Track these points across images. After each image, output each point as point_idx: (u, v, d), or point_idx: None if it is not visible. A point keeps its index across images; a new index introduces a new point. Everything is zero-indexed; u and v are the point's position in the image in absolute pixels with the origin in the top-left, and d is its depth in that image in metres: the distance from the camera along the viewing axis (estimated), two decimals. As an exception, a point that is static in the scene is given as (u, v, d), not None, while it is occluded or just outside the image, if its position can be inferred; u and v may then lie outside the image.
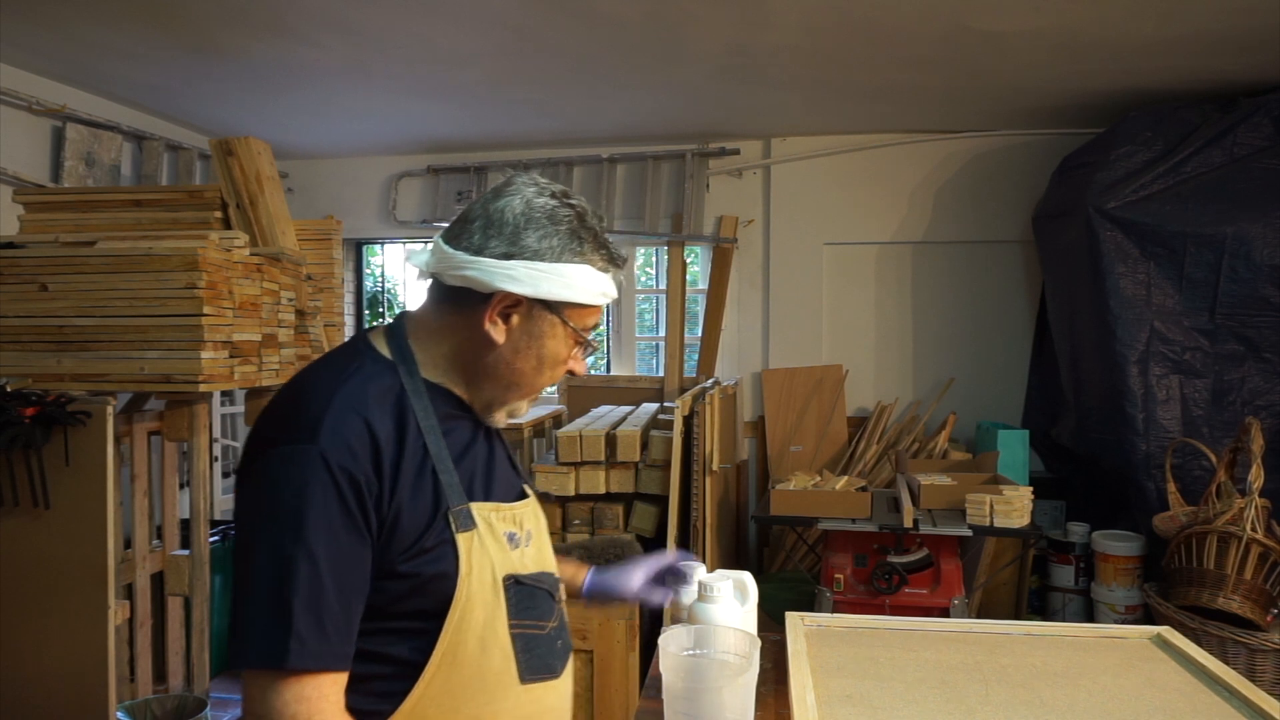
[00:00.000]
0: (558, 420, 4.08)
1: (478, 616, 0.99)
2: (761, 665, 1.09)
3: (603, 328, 4.66)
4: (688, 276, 4.45)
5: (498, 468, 1.10)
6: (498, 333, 1.02)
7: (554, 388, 4.79)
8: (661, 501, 3.03)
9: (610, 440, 3.00)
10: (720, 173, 4.38)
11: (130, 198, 2.90)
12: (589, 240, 1.05)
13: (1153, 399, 3.25)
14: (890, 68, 3.23)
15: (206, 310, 2.46)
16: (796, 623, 1.41)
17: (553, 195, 1.05)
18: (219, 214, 2.87)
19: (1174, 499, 3.01)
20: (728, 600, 1.24)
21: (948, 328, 4.23)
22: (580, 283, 1.03)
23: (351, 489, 0.91)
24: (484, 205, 1.04)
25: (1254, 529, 2.65)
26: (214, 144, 2.94)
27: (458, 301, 1.03)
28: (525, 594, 1.04)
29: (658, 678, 1.11)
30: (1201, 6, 2.63)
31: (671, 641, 1.08)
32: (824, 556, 3.05)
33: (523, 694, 1.03)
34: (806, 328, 4.32)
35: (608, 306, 4.49)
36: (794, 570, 3.83)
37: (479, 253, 1.01)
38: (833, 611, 2.83)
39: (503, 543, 1.03)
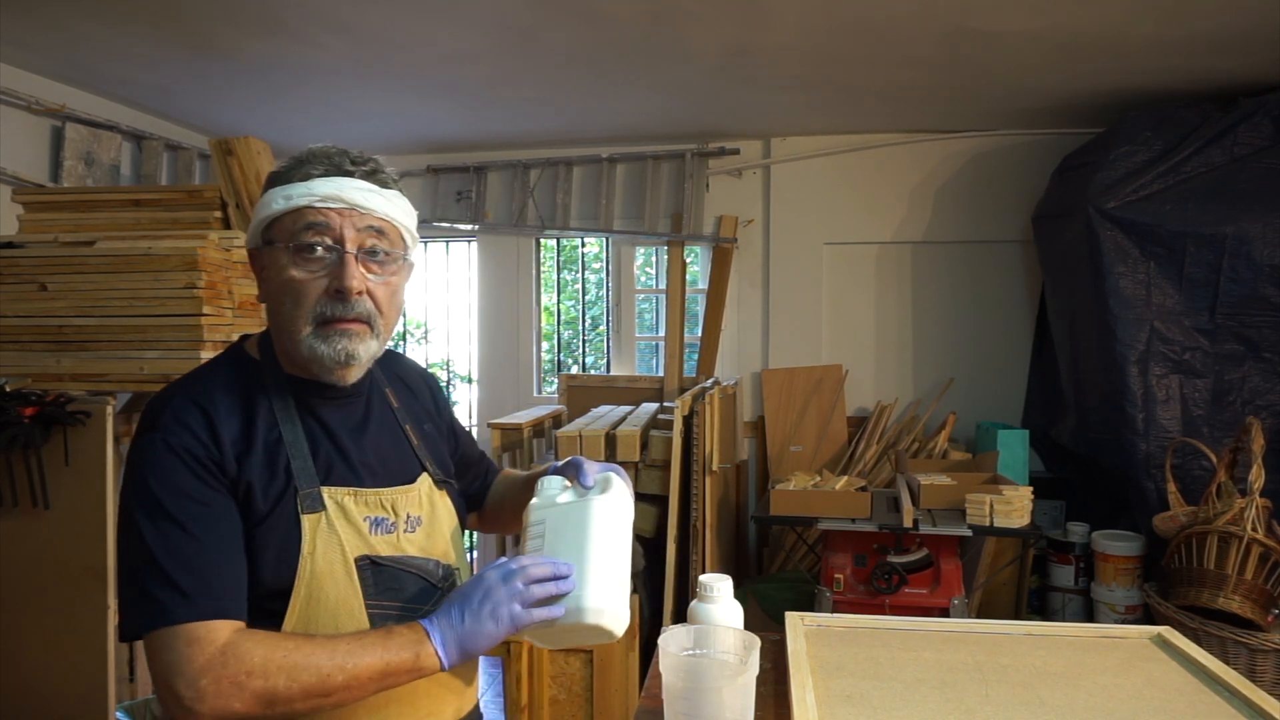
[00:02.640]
0: (557, 420, 4.08)
1: (329, 594, 1.03)
2: (761, 665, 1.09)
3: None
4: (687, 276, 4.45)
5: (373, 455, 1.13)
6: (258, 288, 1.12)
7: (554, 387, 4.79)
8: (661, 501, 3.03)
9: (610, 440, 3.00)
10: (720, 172, 4.38)
11: (130, 197, 2.90)
12: (286, 169, 1.08)
13: (1153, 399, 3.25)
14: (890, 68, 3.23)
15: (206, 310, 2.46)
16: (796, 623, 1.41)
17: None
18: (218, 214, 2.87)
19: (1174, 499, 3.01)
20: (727, 600, 1.24)
21: (948, 328, 4.23)
22: (265, 204, 1.07)
23: (195, 461, 1.00)
24: None
25: (1254, 529, 2.65)
26: (213, 144, 2.94)
27: None
28: (386, 576, 1.07)
29: (658, 678, 1.11)
30: (1201, 6, 2.63)
31: (671, 641, 1.08)
32: (824, 556, 3.05)
33: None
34: (806, 328, 4.32)
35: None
36: (794, 570, 3.83)
37: None
38: (832, 611, 2.83)
39: (360, 526, 1.07)
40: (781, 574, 3.90)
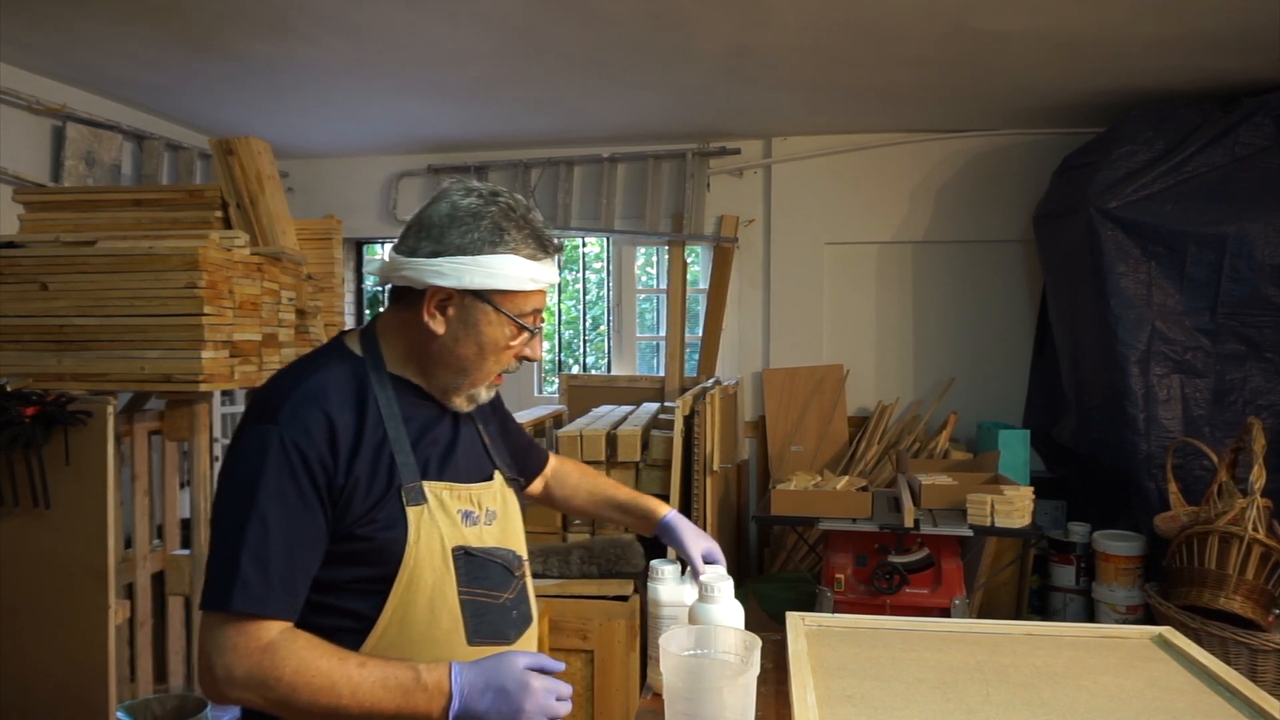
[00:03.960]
0: (558, 420, 4.07)
1: (426, 581, 1.11)
2: (762, 665, 1.09)
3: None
4: (688, 276, 4.45)
5: (461, 451, 1.22)
6: (436, 324, 1.14)
7: (554, 387, 4.79)
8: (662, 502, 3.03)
9: (611, 440, 3.00)
10: (721, 172, 4.38)
11: (130, 197, 2.90)
12: (513, 231, 1.13)
13: (1154, 399, 3.25)
14: (890, 68, 3.23)
15: (207, 310, 2.46)
16: (797, 623, 1.41)
17: (479, 196, 1.15)
18: (219, 213, 2.87)
19: (1175, 499, 3.01)
20: (728, 600, 1.24)
21: (948, 327, 4.23)
22: (505, 271, 1.12)
23: (303, 464, 1.05)
24: (419, 213, 1.17)
25: (1255, 529, 2.64)
26: (214, 143, 2.94)
27: (406, 301, 1.17)
28: (476, 565, 1.16)
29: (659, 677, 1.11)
30: (1201, 6, 2.63)
31: (671, 641, 1.08)
32: (825, 556, 3.05)
33: (469, 654, 1.12)
34: (807, 327, 4.31)
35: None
36: (794, 570, 3.83)
37: (413, 254, 1.14)
38: (833, 611, 2.83)
39: (455, 518, 1.15)
40: (782, 574, 3.90)
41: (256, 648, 1.01)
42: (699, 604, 1.25)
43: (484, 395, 1.22)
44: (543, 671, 1.08)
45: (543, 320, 1.21)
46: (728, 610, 1.23)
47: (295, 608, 1.06)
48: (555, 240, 1.18)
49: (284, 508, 1.04)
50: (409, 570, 1.10)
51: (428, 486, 1.14)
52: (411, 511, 1.11)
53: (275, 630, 1.03)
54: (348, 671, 1.02)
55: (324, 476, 1.07)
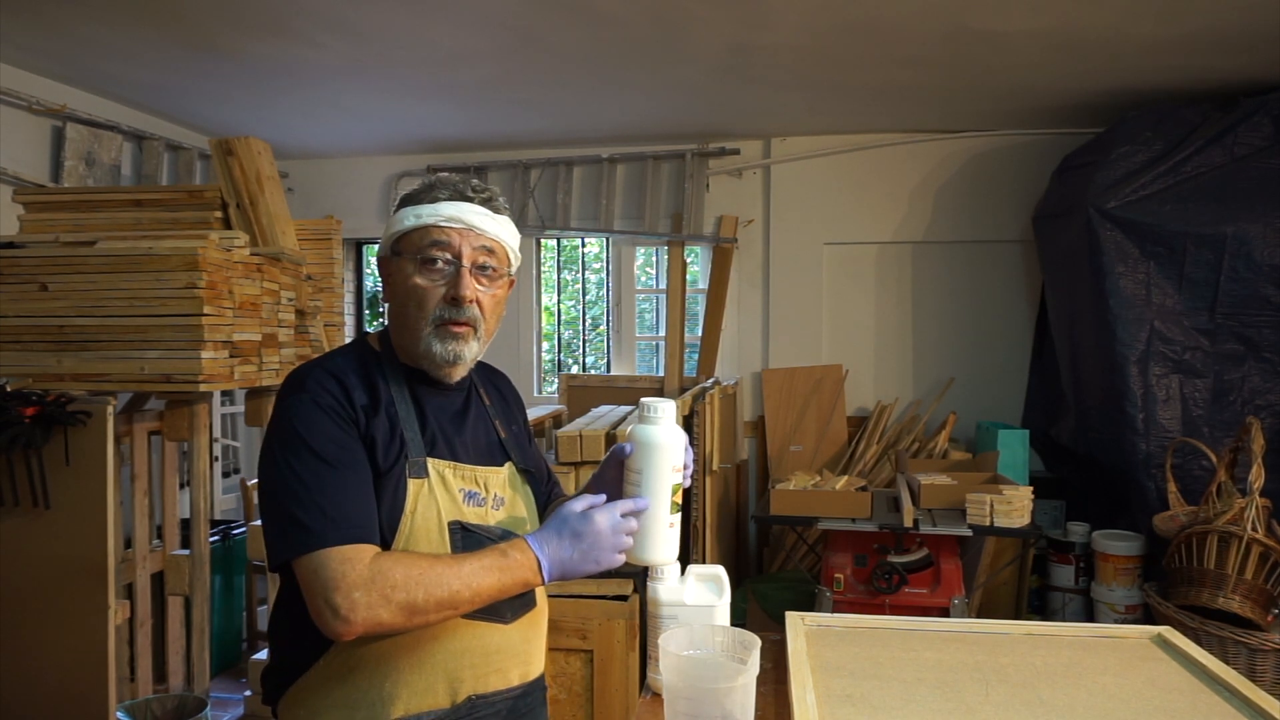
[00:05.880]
0: (558, 420, 4.07)
1: (422, 550, 1.15)
2: (761, 665, 1.09)
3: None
4: (688, 276, 4.45)
5: (470, 435, 1.28)
6: (385, 295, 1.27)
7: (554, 387, 4.79)
8: (661, 501, 3.03)
9: (610, 440, 3.00)
10: (720, 172, 4.38)
11: (130, 198, 2.90)
12: (413, 192, 1.24)
13: (1153, 399, 3.25)
14: (890, 68, 3.23)
15: (206, 310, 2.46)
16: (796, 622, 1.41)
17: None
18: (219, 214, 2.87)
19: (1174, 499, 3.01)
20: (669, 421, 1.19)
21: (948, 328, 4.23)
22: (400, 222, 1.22)
23: (335, 413, 1.14)
24: None
25: (1254, 529, 2.65)
26: (214, 144, 2.94)
27: None
28: (473, 541, 1.19)
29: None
30: (1201, 6, 2.63)
31: (671, 641, 1.08)
32: (824, 556, 3.05)
33: (464, 627, 1.18)
34: (806, 328, 4.32)
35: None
36: (794, 570, 3.83)
37: None
38: (833, 611, 2.83)
39: (456, 496, 1.21)
40: (782, 574, 3.90)
41: (364, 569, 1.06)
42: (638, 426, 1.18)
43: (439, 349, 1.21)
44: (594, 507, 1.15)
45: (457, 258, 1.20)
46: (668, 431, 1.17)
47: (377, 533, 1.12)
48: (457, 187, 1.22)
49: (336, 449, 1.12)
50: (404, 538, 1.15)
51: (431, 463, 1.19)
52: (412, 484, 1.17)
53: (371, 552, 1.08)
54: (446, 565, 1.09)
55: (353, 422, 1.15)
